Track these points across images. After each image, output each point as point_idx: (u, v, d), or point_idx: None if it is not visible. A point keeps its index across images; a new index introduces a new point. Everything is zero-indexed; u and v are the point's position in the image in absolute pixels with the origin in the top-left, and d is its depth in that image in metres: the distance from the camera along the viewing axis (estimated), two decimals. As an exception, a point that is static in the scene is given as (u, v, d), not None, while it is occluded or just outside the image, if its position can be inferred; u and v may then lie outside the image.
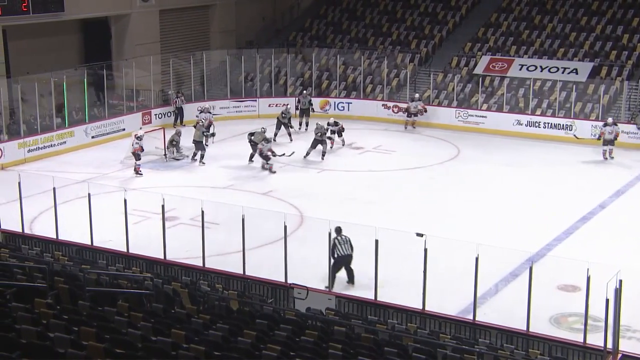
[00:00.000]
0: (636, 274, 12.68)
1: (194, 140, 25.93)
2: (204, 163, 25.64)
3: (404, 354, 10.85)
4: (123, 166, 25.42)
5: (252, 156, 25.51)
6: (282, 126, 28.58)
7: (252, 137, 25.29)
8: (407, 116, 30.53)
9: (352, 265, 15.98)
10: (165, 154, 26.10)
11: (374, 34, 36.23)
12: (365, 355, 10.37)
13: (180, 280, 15.06)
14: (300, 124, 30.16)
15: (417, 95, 30.79)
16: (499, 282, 16.29)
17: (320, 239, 15.33)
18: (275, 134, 28.23)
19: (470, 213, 20.89)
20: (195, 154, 25.90)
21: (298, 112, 30.61)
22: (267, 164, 24.84)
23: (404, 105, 30.98)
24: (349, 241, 15.89)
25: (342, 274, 15.93)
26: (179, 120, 30.63)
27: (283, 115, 28.65)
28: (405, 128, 30.51)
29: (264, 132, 25.34)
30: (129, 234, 16.72)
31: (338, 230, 15.90)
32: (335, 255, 15.79)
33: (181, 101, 30.78)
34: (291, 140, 28.32)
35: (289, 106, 29.63)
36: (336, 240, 15.80)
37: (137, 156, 24.36)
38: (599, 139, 26.26)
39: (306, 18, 39.12)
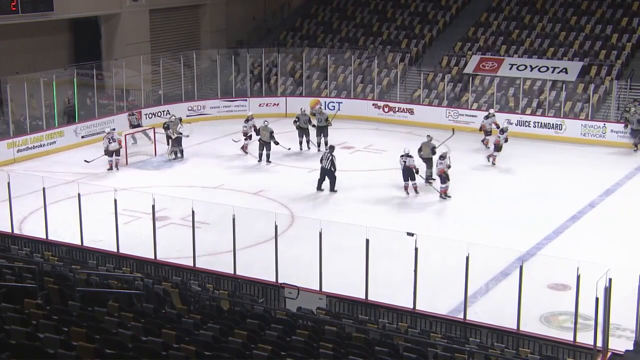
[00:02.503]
0: (625, 272, 12.72)
1: (171, 137, 25.96)
2: (180, 158, 25.97)
3: (395, 353, 10.86)
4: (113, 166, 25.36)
5: (260, 155, 25.60)
6: (304, 132, 26.91)
7: (260, 136, 25.48)
8: (486, 134, 27.25)
9: (343, 267, 16.02)
10: (173, 153, 26.25)
11: (365, 34, 36.25)
12: (356, 355, 10.37)
13: (170, 280, 15.03)
14: (319, 145, 26.86)
15: (491, 111, 27.87)
16: (489, 281, 16.32)
17: (311, 238, 15.31)
18: (301, 142, 27.01)
19: (461, 212, 20.92)
20: (176, 152, 26.03)
21: (311, 130, 27.19)
22: (424, 181, 22.68)
23: (480, 117, 28.18)
24: (330, 159, 22.11)
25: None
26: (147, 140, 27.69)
27: (296, 119, 27.04)
28: (487, 147, 26.83)
29: (267, 124, 25.48)
30: (119, 234, 16.68)
31: (330, 147, 22.88)
32: (322, 168, 22.36)
33: (135, 119, 28.16)
34: (309, 147, 26.97)
35: (304, 109, 27.32)
36: (323, 155, 22.51)
37: (117, 152, 24.73)
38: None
39: (297, 17, 39.13)
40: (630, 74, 30.10)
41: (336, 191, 22.36)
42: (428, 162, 23.17)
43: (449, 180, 21.86)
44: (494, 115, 27.59)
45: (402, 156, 22.18)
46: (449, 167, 21.87)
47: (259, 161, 25.63)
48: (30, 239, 17.66)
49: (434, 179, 22.89)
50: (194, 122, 28.37)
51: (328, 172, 22.36)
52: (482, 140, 27.30)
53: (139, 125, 28.24)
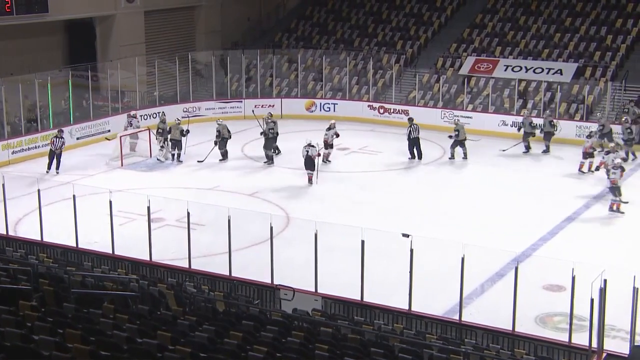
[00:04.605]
0: (620, 273, 12.75)
1: (171, 139, 25.95)
2: (181, 161, 25.86)
3: (390, 354, 10.87)
4: (108, 167, 25.35)
5: (223, 154, 25.95)
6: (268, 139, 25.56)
7: (223, 135, 25.92)
8: (583, 157, 24.26)
9: (338, 268, 16.04)
10: (170, 155, 26.18)
11: (360, 35, 36.27)
12: (351, 356, 10.39)
13: (166, 281, 15.02)
14: (270, 158, 25.63)
15: (594, 130, 25.66)
16: (484, 282, 16.34)
17: (306, 239, 15.32)
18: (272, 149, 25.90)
19: (456, 213, 20.93)
20: (173, 154, 26.03)
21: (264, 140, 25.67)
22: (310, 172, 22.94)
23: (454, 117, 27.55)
24: (418, 129, 25.47)
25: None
26: (53, 166, 24.34)
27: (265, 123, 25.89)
28: (580, 171, 24.07)
29: (222, 121, 26.36)
30: (114, 235, 16.66)
31: (410, 119, 26.06)
32: (410, 138, 25.62)
33: (61, 143, 24.51)
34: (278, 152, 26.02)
35: (269, 117, 26.11)
36: (411, 128, 25.54)
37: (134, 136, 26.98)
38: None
39: (292, 19, 39.13)
40: (624, 75, 30.16)
41: (421, 159, 25.64)
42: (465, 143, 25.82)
43: (620, 194, 20.11)
44: (597, 134, 25.22)
45: (305, 146, 23.04)
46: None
47: (220, 160, 25.79)
48: (25, 240, 17.63)
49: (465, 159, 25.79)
50: (189, 124, 28.19)
51: (415, 141, 25.50)
52: (580, 166, 24.27)
53: (59, 155, 24.55)
